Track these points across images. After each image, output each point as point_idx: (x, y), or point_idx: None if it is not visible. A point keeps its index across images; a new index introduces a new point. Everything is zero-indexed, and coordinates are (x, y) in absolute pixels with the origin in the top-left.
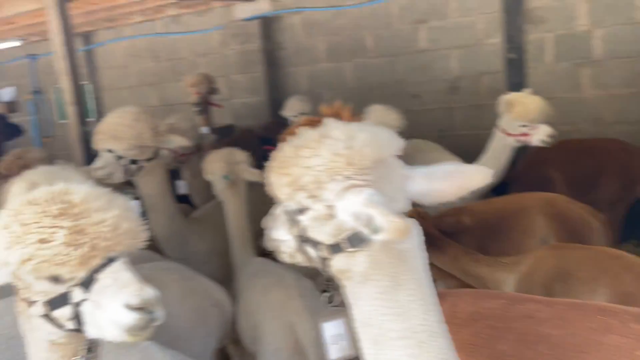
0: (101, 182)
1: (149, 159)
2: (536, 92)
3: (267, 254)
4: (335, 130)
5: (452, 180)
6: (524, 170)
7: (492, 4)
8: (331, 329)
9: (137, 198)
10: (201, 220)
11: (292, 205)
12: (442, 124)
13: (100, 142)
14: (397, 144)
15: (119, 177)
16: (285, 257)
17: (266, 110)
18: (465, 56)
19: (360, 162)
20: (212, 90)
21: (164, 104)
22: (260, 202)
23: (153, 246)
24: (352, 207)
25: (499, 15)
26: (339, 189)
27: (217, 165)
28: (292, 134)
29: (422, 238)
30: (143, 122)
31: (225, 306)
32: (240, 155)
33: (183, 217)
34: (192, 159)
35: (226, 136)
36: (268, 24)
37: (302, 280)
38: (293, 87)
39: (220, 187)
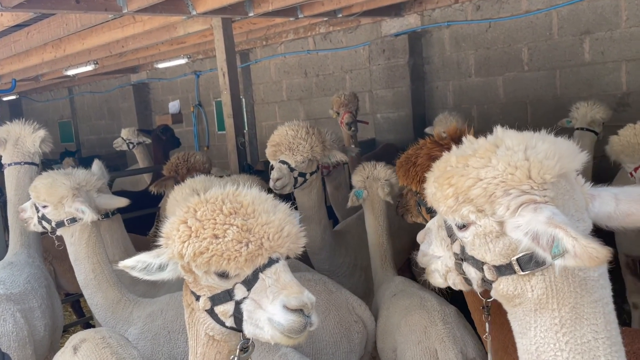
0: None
1: (312, 173)
2: None
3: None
4: (511, 139)
5: None
6: None
7: None
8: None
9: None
10: (345, 233)
11: (454, 220)
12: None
13: (276, 153)
14: (581, 156)
15: (290, 189)
16: (436, 277)
17: (409, 125)
18: (637, 70)
19: (541, 176)
20: (358, 108)
21: (310, 118)
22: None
23: (300, 257)
24: (529, 225)
25: None
26: (514, 204)
27: (355, 179)
28: (443, 145)
29: (607, 265)
30: (314, 136)
31: (367, 323)
32: (382, 172)
33: (332, 230)
34: (335, 172)
35: (368, 150)
36: (415, 39)
37: (445, 305)
38: (438, 102)
39: (360, 201)
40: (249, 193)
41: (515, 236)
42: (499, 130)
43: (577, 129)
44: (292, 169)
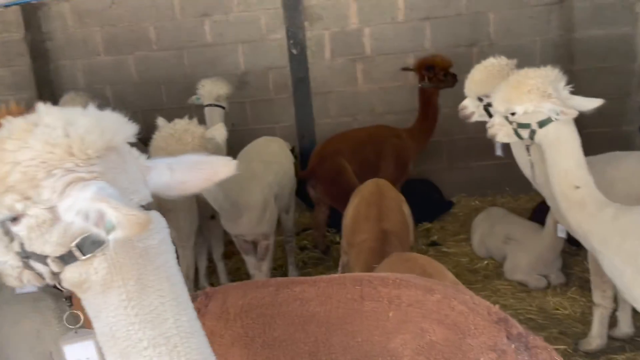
0: None
1: None
2: (318, 87)
3: None
4: (49, 116)
5: (198, 172)
6: (317, 165)
7: (273, 0)
8: (76, 353)
9: None
10: None
11: (3, 214)
12: (234, 118)
13: None
14: (129, 129)
15: None
16: (12, 281)
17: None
18: (251, 51)
19: (84, 152)
20: None
21: None
22: None
23: None
24: (78, 204)
25: (280, 11)
26: (59, 185)
27: None
28: None
29: (168, 231)
30: None
31: None
32: None
33: None
34: None
35: None
36: (31, 12)
37: (62, 302)
38: (68, 82)
39: None
40: None
41: (68, 219)
42: (40, 107)
43: (207, 105)
44: None
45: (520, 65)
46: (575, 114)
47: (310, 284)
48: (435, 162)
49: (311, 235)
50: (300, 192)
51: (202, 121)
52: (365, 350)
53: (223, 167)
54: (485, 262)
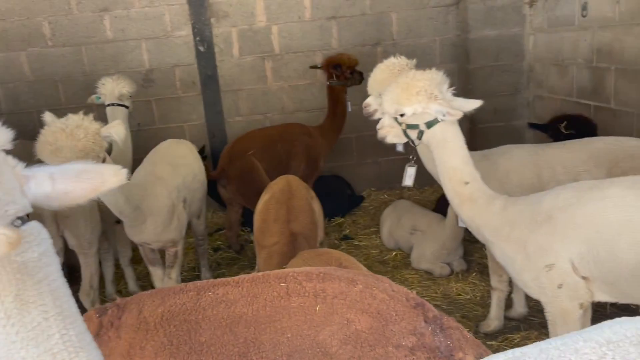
0: None
1: None
2: (227, 84)
3: None
4: None
5: (83, 182)
6: (228, 164)
7: None
8: None
9: None
10: None
11: None
12: (140, 118)
13: None
14: (2, 137)
15: None
16: None
17: None
18: (156, 48)
19: None
20: None
21: None
22: None
23: None
24: None
25: (185, 7)
26: None
27: None
28: None
29: (51, 242)
30: None
31: None
32: None
33: None
34: None
35: None
36: None
37: None
38: None
39: None
40: None
41: None
42: None
43: (108, 104)
44: None
45: (420, 64)
46: (460, 115)
47: (234, 285)
48: (346, 158)
49: (224, 235)
50: (212, 192)
51: (105, 122)
52: (295, 345)
53: (111, 177)
54: (394, 253)
